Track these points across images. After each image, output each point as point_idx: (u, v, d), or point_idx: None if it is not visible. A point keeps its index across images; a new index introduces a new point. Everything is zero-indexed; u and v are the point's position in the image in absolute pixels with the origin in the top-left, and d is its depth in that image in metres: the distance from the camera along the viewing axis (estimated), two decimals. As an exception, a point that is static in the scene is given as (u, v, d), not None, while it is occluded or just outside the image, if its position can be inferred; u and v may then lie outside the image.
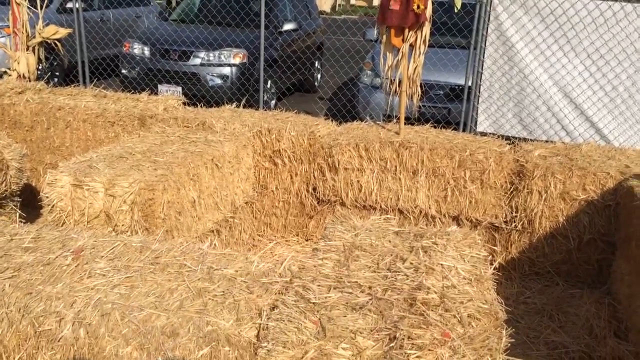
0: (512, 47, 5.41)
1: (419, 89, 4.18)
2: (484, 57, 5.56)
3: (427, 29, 4.00)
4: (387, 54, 4.15)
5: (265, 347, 1.64)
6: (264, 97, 8.03)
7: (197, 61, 7.74)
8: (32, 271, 1.96)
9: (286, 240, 4.42)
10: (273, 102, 8.43)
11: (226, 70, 7.73)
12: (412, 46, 4.06)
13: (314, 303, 1.86)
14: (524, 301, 3.54)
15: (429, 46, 4.11)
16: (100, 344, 1.66)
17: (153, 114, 4.42)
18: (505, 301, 3.61)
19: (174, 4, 12.21)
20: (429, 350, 1.63)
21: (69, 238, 2.20)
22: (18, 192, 3.94)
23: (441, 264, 2.15)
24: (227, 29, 7.83)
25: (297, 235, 4.45)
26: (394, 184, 4.01)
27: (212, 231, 3.61)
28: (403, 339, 1.66)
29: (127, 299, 1.82)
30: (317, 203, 4.29)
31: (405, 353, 1.61)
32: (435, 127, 4.43)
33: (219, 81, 7.74)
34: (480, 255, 2.31)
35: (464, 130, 5.56)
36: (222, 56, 7.77)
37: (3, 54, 7.84)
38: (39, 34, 5.93)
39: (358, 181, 4.08)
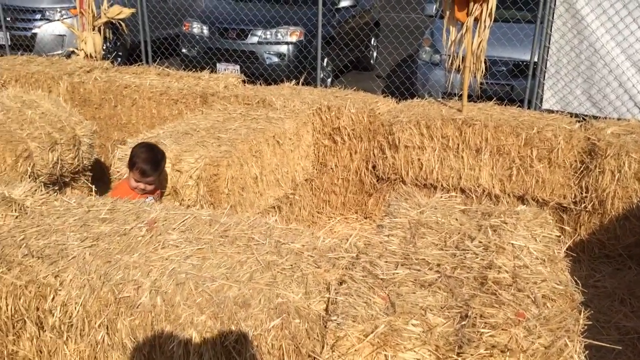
0: (582, 19, 5.16)
1: (483, 65, 4.05)
2: (551, 30, 5.33)
3: (493, 1, 3.86)
4: (450, 28, 4.04)
5: (335, 320, 1.65)
6: (320, 74, 8.03)
7: (255, 39, 7.78)
8: (109, 241, 2.04)
9: (345, 218, 4.43)
10: (329, 80, 8.39)
11: (283, 48, 7.74)
12: (476, 20, 3.93)
13: (382, 279, 1.85)
14: (593, 284, 3.42)
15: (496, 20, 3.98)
16: (176, 311, 1.71)
17: (214, 92, 4.48)
18: (575, 284, 3.53)
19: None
20: (503, 329, 1.59)
21: (142, 210, 2.27)
22: (89, 167, 4.10)
23: (512, 244, 2.10)
24: (285, 7, 7.81)
25: (356, 213, 4.45)
26: (456, 163, 3.93)
27: (273, 207, 3.65)
28: (475, 317, 1.63)
29: (199, 269, 1.87)
30: (377, 181, 4.27)
31: (478, 331, 1.58)
32: (499, 104, 4.30)
33: (275, 59, 7.77)
34: (553, 235, 2.23)
35: (528, 108, 5.37)
36: (279, 34, 7.78)
37: (71, 34, 8.14)
38: (104, 14, 6.08)
39: (419, 159, 4.02)
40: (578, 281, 3.53)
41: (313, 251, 2.06)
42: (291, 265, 1.93)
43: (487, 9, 3.89)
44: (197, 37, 8.02)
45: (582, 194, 3.64)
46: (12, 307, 1.93)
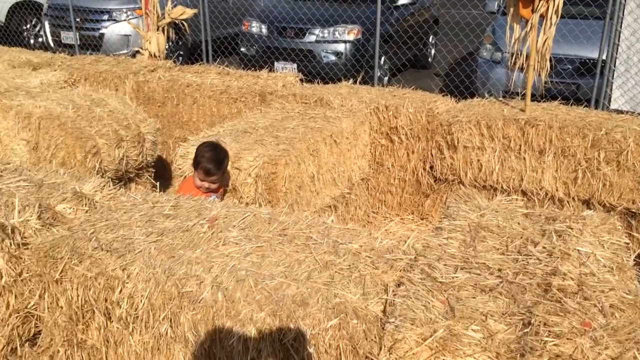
0: (656, 15, 4.91)
1: (548, 63, 3.92)
2: (621, 27, 5.10)
3: (560, -3, 3.73)
4: (514, 25, 3.93)
5: (393, 322, 1.64)
6: (377, 73, 7.98)
7: (312, 38, 7.82)
8: (173, 236, 2.10)
9: (401, 219, 4.39)
10: (386, 78, 8.33)
11: (340, 47, 7.74)
12: (542, 17, 3.81)
13: (440, 282, 1.83)
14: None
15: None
16: (236, 307, 1.75)
17: (273, 91, 4.54)
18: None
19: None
20: (568, 339, 1.54)
21: (204, 207, 2.33)
22: (152, 164, 4.25)
23: (578, 250, 2.02)
24: (343, 5, 7.81)
25: (412, 214, 4.40)
26: (517, 164, 3.82)
27: (329, 206, 3.66)
28: (539, 325, 1.59)
29: (259, 267, 1.90)
30: (434, 181, 4.21)
31: (542, 340, 1.53)
32: (564, 104, 4.15)
33: (333, 58, 7.78)
34: (621, 242, 2.14)
35: (595, 108, 5.15)
36: (336, 32, 7.79)
37: (136, 34, 8.44)
38: (168, 14, 6.27)
39: (478, 160, 3.93)
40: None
41: (371, 252, 2.05)
42: (349, 266, 1.94)
43: (553, 6, 3.76)
44: (256, 36, 8.14)
45: (653, 199, 3.47)
46: (82, 297, 2.02)
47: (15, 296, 2.19)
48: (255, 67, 7.19)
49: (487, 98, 4.42)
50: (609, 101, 5.28)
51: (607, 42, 5.15)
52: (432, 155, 4.12)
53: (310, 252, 2.01)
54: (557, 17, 3.80)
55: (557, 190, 3.74)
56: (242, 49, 8.30)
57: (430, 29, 9.60)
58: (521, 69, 4.00)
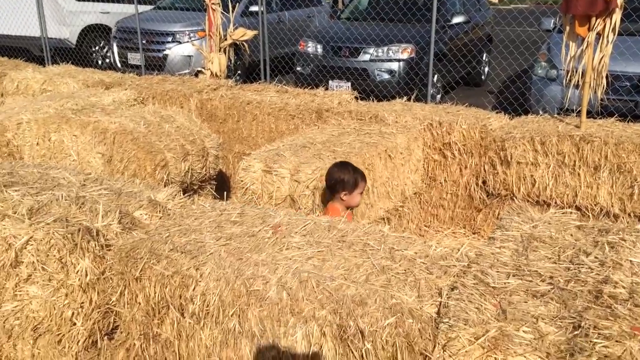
0: None
1: (604, 80, 3.94)
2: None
3: (617, 16, 3.76)
4: (570, 43, 3.97)
5: (447, 322, 1.74)
6: (430, 91, 8.07)
7: (367, 57, 8.00)
8: (240, 241, 2.28)
9: (453, 232, 4.45)
10: (439, 96, 8.41)
11: (394, 65, 7.89)
12: (599, 34, 3.84)
13: (493, 287, 1.92)
14: None
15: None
16: (299, 305, 1.89)
17: (329, 108, 4.72)
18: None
19: (340, 4, 12.68)
20: (617, 341, 1.60)
21: (268, 215, 2.50)
22: (214, 177, 4.49)
23: (630, 260, 2.07)
24: (398, 25, 7.97)
25: (464, 228, 4.46)
26: (571, 180, 3.83)
27: (383, 219, 3.78)
28: (589, 328, 1.66)
29: (320, 269, 2.05)
30: (487, 196, 4.26)
31: (592, 342, 1.60)
32: (621, 121, 4.13)
33: (386, 76, 7.93)
34: (676, 255, 2.16)
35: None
36: (390, 51, 7.94)
37: (197, 54, 8.87)
38: (230, 36, 6.60)
39: (532, 175, 3.97)
40: None
41: (425, 258, 2.16)
42: (404, 270, 2.05)
43: (610, 24, 3.79)
44: (312, 55, 8.40)
45: None
46: (159, 294, 2.22)
47: (98, 293, 2.41)
48: (310, 85, 7.44)
49: (541, 115, 4.45)
50: (670, 118, 5.18)
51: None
52: (484, 171, 4.18)
53: (367, 257, 2.14)
54: (614, 35, 3.82)
55: (612, 206, 3.73)
56: (298, 68, 8.57)
57: (484, 47, 9.63)
58: (576, 86, 4.03)
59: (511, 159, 3.99)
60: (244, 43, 6.73)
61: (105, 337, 2.53)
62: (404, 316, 1.80)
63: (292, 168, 3.36)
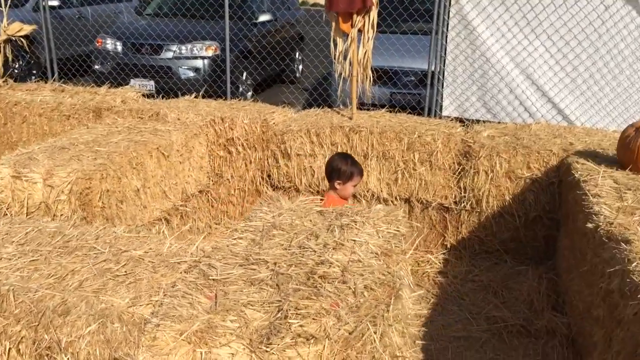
0: (473, 30, 5.41)
1: (370, 73, 4.20)
2: (446, 42, 5.57)
3: (374, 13, 4.02)
4: (337, 39, 4.17)
5: (154, 322, 1.67)
6: (239, 88, 8.06)
7: (170, 54, 7.75)
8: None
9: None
10: (249, 93, 8.44)
11: (198, 63, 7.74)
12: (360, 31, 4.07)
13: (213, 280, 1.88)
14: (471, 279, 3.56)
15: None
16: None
17: (110, 107, 4.43)
18: (454, 279, 3.66)
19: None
20: (313, 319, 1.65)
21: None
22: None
23: (353, 240, 2.18)
24: (201, 22, 7.82)
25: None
26: (345, 169, 4.02)
27: (161, 219, 3.63)
28: (289, 309, 1.69)
29: (26, 281, 1.85)
30: (273, 190, 4.32)
31: (288, 322, 1.63)
32: (391, 111, 4.44)
33: (191, 74, 7.75)
34: (398, 231, 2.33)
35: (428, 115, 5.57)
36: (194, 49, 7.78)
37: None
38: (4, 31, 5.92)
39: (311, 167, 4.10)
40: (457, 276, 3.67)
41: (155, 257, 2.07)
42: (126, 272, 1.94)
43: (369, 21, 4.04)
44: (112, 53, 7.91)
45: (461, 194, 3.80)
46: None
47: None
48: (111, 84, 6.98)
49: (322, 108, 4.62)
50: (441, 109, 5.73)
51: (435, 55, 5.59)
52: (268, 165, 4.23)
53: (88, 262, 1.99)
54: (374, 31, 4.08)
55: (381, 191, 3.99)
56: (97, 67, 8.03)
57: (296, 45, 9.87)
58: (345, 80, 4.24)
59: (291, 151, 4.08)
60: (23, 39, 6.09)
61: None
62: (107, 321, 1.68)
63: (45, 172, 3.06)
